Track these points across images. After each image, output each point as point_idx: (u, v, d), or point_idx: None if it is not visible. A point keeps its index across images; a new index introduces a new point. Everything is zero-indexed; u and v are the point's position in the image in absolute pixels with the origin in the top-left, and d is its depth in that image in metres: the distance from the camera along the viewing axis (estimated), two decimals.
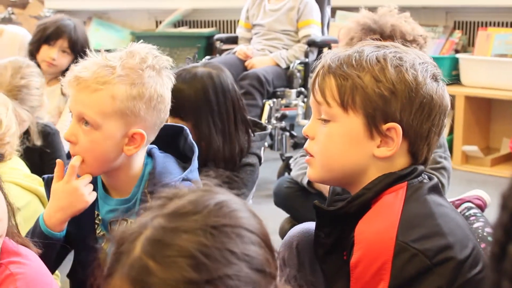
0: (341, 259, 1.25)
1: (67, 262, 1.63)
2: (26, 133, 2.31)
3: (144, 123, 1.44)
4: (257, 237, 0.82)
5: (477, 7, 4.18)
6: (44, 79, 2.49)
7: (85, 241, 1.50)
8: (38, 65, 2.91)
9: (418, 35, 2.23)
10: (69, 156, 1.53)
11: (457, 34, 4.27)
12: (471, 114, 3.97)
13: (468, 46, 4.28)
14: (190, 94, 2.02)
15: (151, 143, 1.56)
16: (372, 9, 2.32)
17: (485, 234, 2.45)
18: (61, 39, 2.96)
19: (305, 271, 1.43)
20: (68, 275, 1.64)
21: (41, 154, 2.37)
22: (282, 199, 2.60)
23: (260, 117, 3.41)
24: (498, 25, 4.17)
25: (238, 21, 4.01)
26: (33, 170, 2.13)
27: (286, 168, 3.41)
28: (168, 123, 1.63)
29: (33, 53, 2.98)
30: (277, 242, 1.43)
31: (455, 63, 4.07)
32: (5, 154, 1.87)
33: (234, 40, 3.98)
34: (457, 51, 4.20)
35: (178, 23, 5.08)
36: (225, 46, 4.00)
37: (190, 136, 1.60)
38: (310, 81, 3.62)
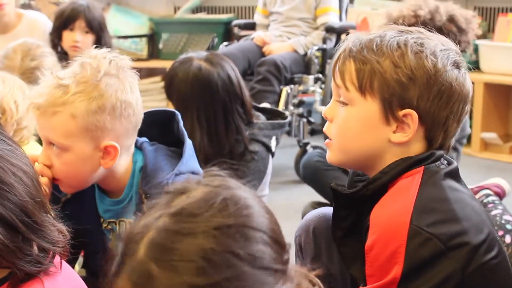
0: (358, 242, 1.26)
1: None
2: None
3: (114, 134, 1.39)
4: (264, 234, 0.81)
5: None
6: (56, 58, 2.46)
7: (91, 235, 1.47)
8: (65, 53, 2.95)
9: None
10: None
11: (477, 20, 4.21)
12: (490, 101, 3.94)
13: (488, 32, 4.23)
14: (180, 84, 2.02)
15: (143, 135, 1.51)
16: None
17: (503, 222, 2.44)
18: (78, 20, 2.98)
19: (322, 255, 1.44)
20: (83, 266, 1.65)
21: None
22: (311, 172, 2.58)
23: (277, 103, 3.41)
24: None
25: (256, 7, 4.00)
26: None
27: (303, 154, 3.41)
28: (160, 108, 1.62)
29: (55, 42, 3.01)
30: None
31: (474, 50, 4.03)
32: (23, 138, 1.87)
33: (252, 26, 3.97)
34: (476, 37, 4.15)
35: (196, 9, 5.07)
36: (243, 32, 4.00)
37: (181, 123, 1.55)
38: (329, 66, 3.62)
